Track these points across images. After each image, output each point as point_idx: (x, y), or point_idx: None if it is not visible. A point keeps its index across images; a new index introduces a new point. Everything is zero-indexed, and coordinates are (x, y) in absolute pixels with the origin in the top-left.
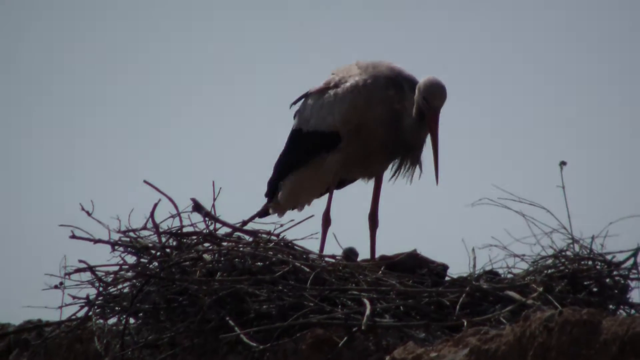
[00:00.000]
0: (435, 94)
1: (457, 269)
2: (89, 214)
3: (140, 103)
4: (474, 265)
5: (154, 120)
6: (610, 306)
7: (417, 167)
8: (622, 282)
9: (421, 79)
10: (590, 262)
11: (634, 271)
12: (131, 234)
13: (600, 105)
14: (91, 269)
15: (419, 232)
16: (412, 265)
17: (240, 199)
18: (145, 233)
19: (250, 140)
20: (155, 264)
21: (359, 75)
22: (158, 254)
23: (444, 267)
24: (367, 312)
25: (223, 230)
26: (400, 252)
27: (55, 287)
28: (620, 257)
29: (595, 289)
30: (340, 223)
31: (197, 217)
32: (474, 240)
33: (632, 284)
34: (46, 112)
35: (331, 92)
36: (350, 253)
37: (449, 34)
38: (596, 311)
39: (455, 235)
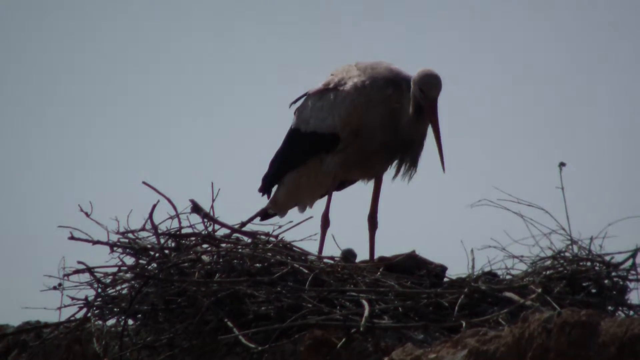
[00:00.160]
0: (431, 84)
1: (456, 270)
2: (87, 215)
3: (139, 104)
4: (473, 267)
5: (153, 121)
6: (609, 307)
7: (414, 168)
8: (621, 283)
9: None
10: (589, 263)
11: (633, 272)
12: (130, 235)
13: (599, 106)
14: (90, 270)
15: (418, 233)
16: (410, 266)
17: (238, 201)
18: (143, 234)
19: (249, 142)
20: (154, 265)
21: (357, 77)
22: (157, 255)
23: (443, 268)
24: (366, 313)
25: (222, 232)
26: (399, 253)
27: (54, 288)
28: (618, 258)
29: (594, 290)
30: (339, 224)
31: (195, 219)
32: (472, 242)
33: (631, 285)
34: (45, 113)
35: (331, 94)
36: (349, 255)
37: (449, 33)
38: (595, 312)
39: (454, 236)
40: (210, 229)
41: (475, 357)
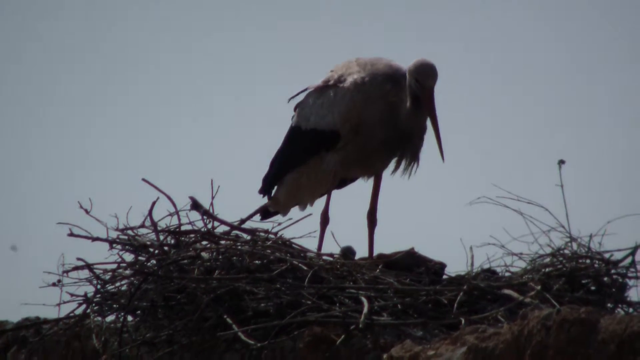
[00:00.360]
0: (426, 73)
1: (455, 267)
2: (87, 211)
3: (139, 102)
4: (472, 264)
5: (152, 118)
6: (608, 305)
7: (416, 162)
8: (620, 280)
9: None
10: (588, 261)
11: (632, 269)
12: (129, 232)
13: (598, 104)
14: (89, 266)
15: (417, 230)
16: (410, 263)
17: (238, 198)
18: (143, 231)
19: (248, 139)
20: (154, 262)
21: (357, 73)
22: (156, 252)
23: (442, 266)
24: (365, 310)
25: (221, 229)
26: (398, 250)
27: (53, 284)
28: (618, 256)
29: (593, 288)
30: (339, 221)
31: (195, 216)
32: (472, 239)
33: (630, 282)
34: (45, 111)
35: (331, 91)
36: (348, 252)
37: (448, 31)
38: (594, 310)
39: (453, 233)
40: (209, 226)
41: (474, 354)
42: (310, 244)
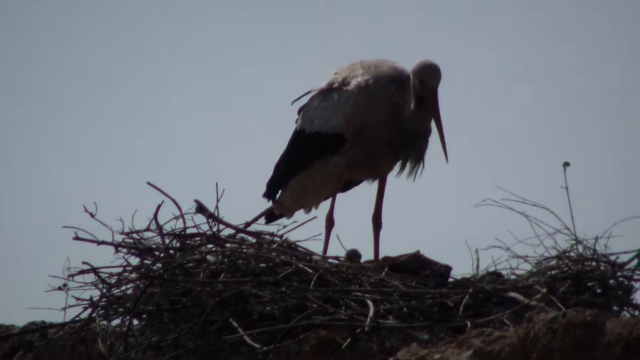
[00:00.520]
0: (429, 73)
1: (461, 270)
2: (92, 215)
3: (143, 104)
4: (478, 267)
5: (157, 121)
6: (614, 307)
7: (421, 164)
8: (626, 283)
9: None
10: (593, 263)
11: (638, 272)
12: (134, 235)
13: (603, 106)
14: (95, 270)
15: (423, 233)
16: (415, 266)
17: (243, 201)
18: (148, 234)
19: (253, 141)
20: (159, 265)
21: (362, 76)
22: (161, 255)
23: (448, 269)
24: (371, 313)
25: (226, 232)
26: (403, 253)
27: (59, 288)
28: (624, 258)
29: (599, 290)
30: (344, 224)
31: (200, 219)
32: (477, 242)
33: (636, 285)
34: (50, 114)
35: (335, 93)
36: (354, 255)
37: (451, 32)
38: (600, 312)
39: (459, 236)
40: (214, 229)
41: (480, 358)
42: (316, 247)
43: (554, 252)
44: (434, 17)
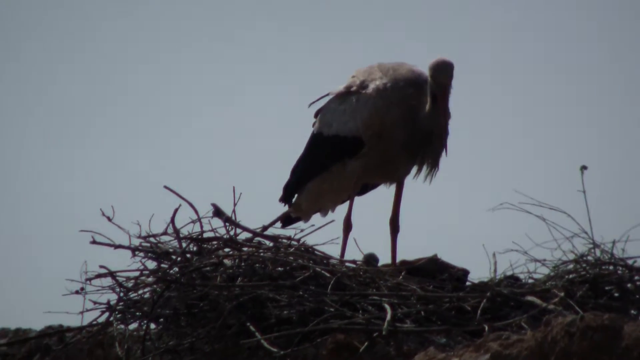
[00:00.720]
0: (440, 70)
1: (478, 274)
2: (109, 219)
3: (160, 108)
4: (495, 270)
5: (174, 125)
6: (632, 311)
7: (437, 166)
8: None
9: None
10: (611, 267)
11: None
12: (152, 239)
13: (621, 109)
14: (112, 274)
15: (440, 237)
16: (432, 270)
17: (260, 204)
18: (165, 238)
19: (270, 146)
20: (176, 269)
21: (380, 79)
22: (179, 259)
23: (465, 272)
24: (388, 317)
25: (243, 236)
26: (421, 257)
27: (76, 292)
28: None
29: (616, 294)
30: (361, 228)
31: (217, 223)
32: (494, 245)
33: None
34: (69, 118)
35: (353, 97)
36: (371, 259)
37: (469, 33)
38: (617, 316)
39: (476, 240)
40: (232, 233)
41: None
42: (333, 251)
43: (571, 256)
44: (454, 15)
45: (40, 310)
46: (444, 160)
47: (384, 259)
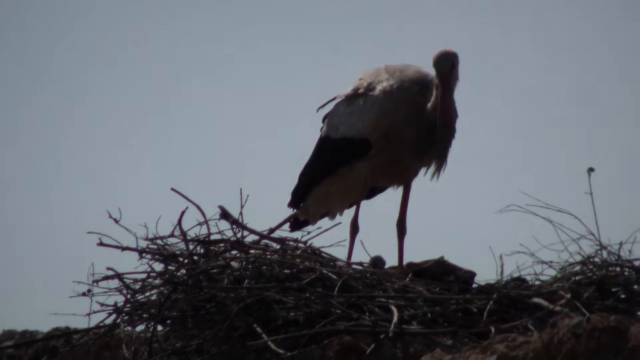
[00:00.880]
0: (441, 59)
1: (485, 276)
2: (116, 221)
3: (168, 110)
4: (502, 272)
5: (181, 128)
6: (639, 313)
7: (445, 162)
8: None
9: None
10: (618, 269)
11: None
12: (159, 241)
13: (629, 110)
14: (119, 276)
15: (447, 239)
16: (439, 272)
17: (267, 207)
18: (172, 240)
19: (277, 148)
20: (183, 271)
21: (387, 81)
22: (185, 261)
23: (472, 274)
24: (395, 319)
25: (250, 238)
26: (427, 259)
27: (83, 294)
28: None
29: (623, 296)
30: (368, 230)
31: (224, 225)
32: (501, 247)
33: None
34: (74, 120)
35: (360, 99)
36: (378, 261)
37: (474, 35)
38: (624, 318)
39: (483, 242)
40: (239, 235)
41: None
42: (340, 253)
43: (578, 258)
44: (460, 16)
45: (47, 312)
46: (451, 162)
47: (391, 261)
